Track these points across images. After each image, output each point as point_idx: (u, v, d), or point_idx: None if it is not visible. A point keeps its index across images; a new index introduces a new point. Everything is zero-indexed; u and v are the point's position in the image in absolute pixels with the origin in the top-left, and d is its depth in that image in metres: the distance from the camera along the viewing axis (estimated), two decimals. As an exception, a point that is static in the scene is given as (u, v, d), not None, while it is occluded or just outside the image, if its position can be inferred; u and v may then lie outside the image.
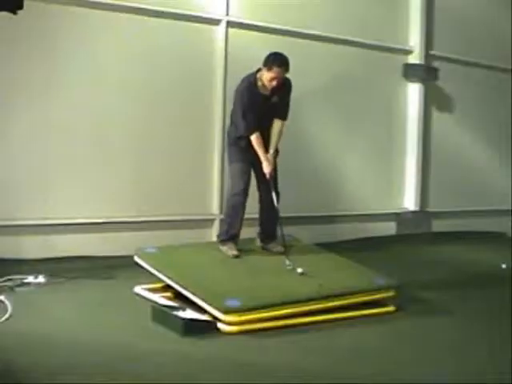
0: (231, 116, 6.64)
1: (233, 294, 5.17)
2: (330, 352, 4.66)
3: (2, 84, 6.67)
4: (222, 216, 7.44)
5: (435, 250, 9.01)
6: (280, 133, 6.48)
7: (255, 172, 6.47)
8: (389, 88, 9.66)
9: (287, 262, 5.85)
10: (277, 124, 6.45)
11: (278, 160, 6.55)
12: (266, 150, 6.37)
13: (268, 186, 6.36)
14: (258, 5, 8.23)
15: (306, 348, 4.73)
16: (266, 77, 6.20)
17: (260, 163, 6.34)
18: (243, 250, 6.38)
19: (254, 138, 6.29)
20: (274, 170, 6.46)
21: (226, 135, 6.94)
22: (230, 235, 6.43)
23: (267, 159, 6.33)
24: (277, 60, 6.17)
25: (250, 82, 6.29)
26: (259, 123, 6.32)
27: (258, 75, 6.28)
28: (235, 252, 6.29)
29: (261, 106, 6.29)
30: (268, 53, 6.25)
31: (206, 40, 7.91)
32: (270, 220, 6.54)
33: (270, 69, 6.15)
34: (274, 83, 6.20)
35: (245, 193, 6.37)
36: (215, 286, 5.46)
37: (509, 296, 6.17)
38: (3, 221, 6.71)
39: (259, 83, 6.28)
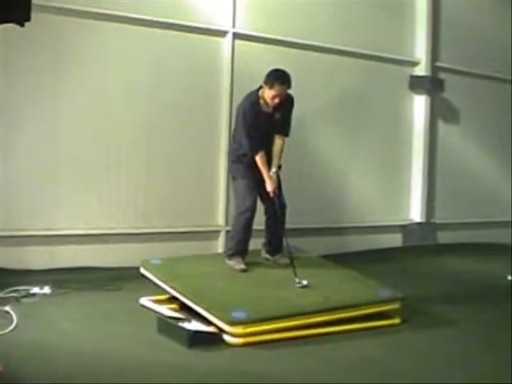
0: (233, 134, 6.65)
1: (238, 306, 5.16)
2: (336, 364, 4.65)
3: (11, 95, 6.70)
4: (227, 228, 7.46)
5: (441, 261, 8.99)
6: (282, 149, 6.43)
7: (260, 187, 6.44)
8: (395, 99, 9.67)
9: (297, 280, 5.83)
10: (278, 141, 6.41)
11: (283, 173, 6.53)
12: (269, 167, 6.37)
13: (273, 199, 6.34)
14: (264, 16, 8.26)
15: (311, 360, 4.72)
16: (268, 94, 6.17)
17: (264, 180, 6.32)
18: (249, 262, 6.36)
19: (259, 158, 6.25)
20: (278, 184, 6.43)
21: (228, 153, 6.97)
22: (237, 250, 6.38)
23: (270, 178, 6.29)
24: (278, 77, 6.15)
25: (252, 100, 6.27)
26: (263, 141, 6.32)
27: (260, 93, 6.26)
28: (243, 266, 6.25)
29: (264, 123, 6.28)
30: (269, 69, 6.23)
31: (213, 51, 7.94)
32: (275, 232, 6.52)
33: (271, 86, 6.13)
34: (277, 100, 6.18)
35: (253, 209, 6.31)
36: (221, 297, 5.45)
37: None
38: (9, 231, 6.73)
39: (261, 101, 6.26)
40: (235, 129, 6.55)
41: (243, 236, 6.36)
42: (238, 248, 6.38)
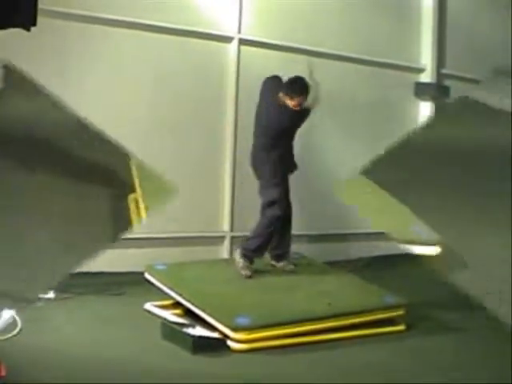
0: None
1: (243, 312, 5.16)
2: (340, 370, 4.64)
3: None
4: (232, 233, 7.46)
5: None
6: None
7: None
8: (400, 106, 9.65)
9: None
10: None
11: (291, 178, 6.54)
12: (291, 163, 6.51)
13: (283, 205, 6.34)
14: (270, 22, 8.25)
15: (315, 366, 4.72)
16: (289, 102, 6.27)
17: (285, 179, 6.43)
18: (254, 268, 6.33)
19: None
20: (286, 187, 6.45)
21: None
22: (255, 254, 6.30)
23: None
24: (297, 89, 6.28)
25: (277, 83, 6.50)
26: None
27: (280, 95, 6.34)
28: (249, 273, 6.20)
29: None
30: (288, 78, 6.35)
31: (219, 57, 7.93)
32: (283, 240, 6.50)
33: (291, 98, 6.22)
34: (297, 109, 6.30)
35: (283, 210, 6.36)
36: (225, 303, 5.45)
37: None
38: (14, 236, 6.73)
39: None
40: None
41: (267, 242, 6.32)
42: (256, 252, 6.31)
